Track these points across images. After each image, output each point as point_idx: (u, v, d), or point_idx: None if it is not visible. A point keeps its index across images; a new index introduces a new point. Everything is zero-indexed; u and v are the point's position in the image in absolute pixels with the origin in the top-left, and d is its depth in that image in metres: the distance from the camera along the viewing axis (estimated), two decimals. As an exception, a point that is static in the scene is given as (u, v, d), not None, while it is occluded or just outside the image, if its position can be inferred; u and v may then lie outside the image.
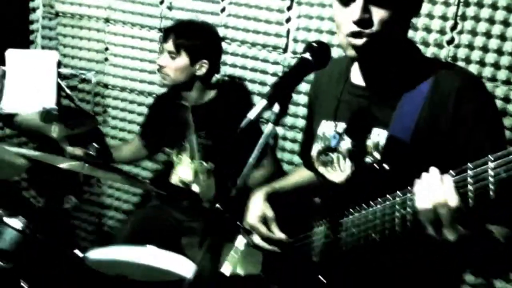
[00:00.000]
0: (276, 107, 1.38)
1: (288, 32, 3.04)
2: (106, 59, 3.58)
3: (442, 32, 2.68)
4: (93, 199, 3.65)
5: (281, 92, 1.41)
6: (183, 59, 2.73)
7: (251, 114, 1.37)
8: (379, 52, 1.52)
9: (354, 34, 1.49)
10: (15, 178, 2.94)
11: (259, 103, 1.39)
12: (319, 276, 1.59)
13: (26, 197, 2.67)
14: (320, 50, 1.49)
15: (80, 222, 3.68)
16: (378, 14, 1.47)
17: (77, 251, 2.22)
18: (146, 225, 2.65)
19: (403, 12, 1.51)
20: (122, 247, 2.40)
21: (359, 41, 1.49)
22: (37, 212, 2.35)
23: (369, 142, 1.58)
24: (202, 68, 2.77)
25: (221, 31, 3.10)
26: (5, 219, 2.12)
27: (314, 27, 2.95)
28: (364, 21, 1.47)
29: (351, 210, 1.55)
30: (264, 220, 1.75)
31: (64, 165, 2.33)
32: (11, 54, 3.35)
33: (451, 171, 1.30)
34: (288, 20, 3.03)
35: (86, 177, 2.90)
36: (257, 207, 1.77)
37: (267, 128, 1.39)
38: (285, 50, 3.06)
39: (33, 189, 2.75)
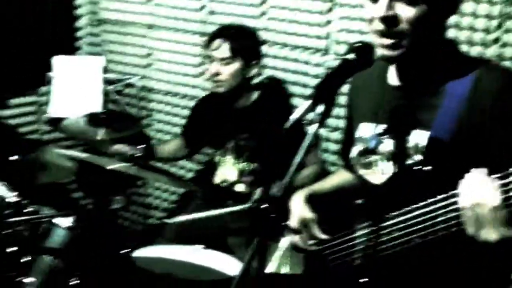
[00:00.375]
0: (320, 108, 1.39)
1: (328, 34, 3.05)
2: (150, 64, 3.66)
3: (487, 31, 2.65)
4: (139, 199, 3.73)
5: (325, 93, 1.41)
6: (238, 64, 2.70)
7: (296, 115, 1.38)
8: (412, 52, 1.50)
9: (381, 33, 1.47)
10: (64, 180, 3.03)
11: (303, 104, 1.40)
12: (360, 279, 1.60)
13: (75, 198, 2.75)
14: (363, 51, 1.47)
15: (127, 222, 3.77)
16: (405, 11, 1.43)
17: (125, 250, 2.27)
18: (192, 225, 2.68)
19: (435, 10, 1.46)
20: (169, 246, 2.44)
21: (387, 41, 1.47)
22: (86, 212, 2.41)
23: (410, 144, 1.57)
24: (254, 69, 2.76)
25: (262, 35, 3.12)
26: (56, 219, 2.20)
27: (356, 28, 2.95)
28: (389, 19, 1.44)
29: (392, 212, 1.54)
30: (305, 222, 1.76)
31: (112, 166, 2.39)
32: (57, 60, 3.46)
33: (494, 172, 1.29)
34: (328, 22, 3.04)
35: (132, 178, 2.96)
36: (298, 208, 1.78)
37: (311, 129, 1.40)
38: (326, 52, 3.08)
39: (82, 190, 2.83)
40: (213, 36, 2.76)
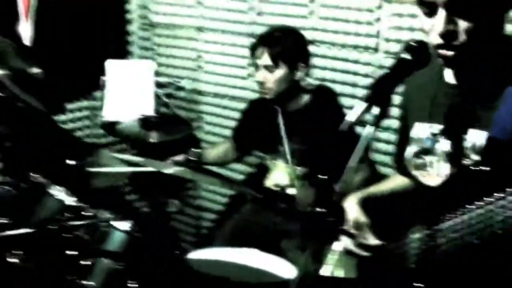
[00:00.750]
0: (375, 110, 1.38)
1: (378, 31, 3.02)
2: (200, 67, 3.70)
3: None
4: (191, 201, 3.78)
5: (380, 94, 1.40)
6: (282, 69, 2.68)
7: (351, 117, 1.37)
8: (471, 57, 1.47)
9: (439, 46, 1.44)
10: (119, 183, 3.10)
11: (358, 105, 1.39)
12: (415, 284, 1.57)
13: (131, 201, 2.81)
14: (419, 50, 1.46)
15: (181, 224, 3.82)
16: (463, 25, 1.41)
17: (180, 252, 2.31)
18: (245, 227, 2.70)
19: (493, 17, 1.44)
20: (223, 248, 2.46)
21: (447, 53, 1.45)
22: (143, 215, 2.46)
23: (467, 144, 1.55)
24: (300, 72, 2.74)
25: (310, 34, 3.11)
26: (114, 223, 2.25)
27: (406, 25, 2.91)
28: (448, 34, 1.42)
29: (448, 214, 1.51)
30: (359, 226, 1.75)
31: (165, 170, 2.43)
32: (110, 64, 3.53)
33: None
34: (378, 19, 3.01)
35: (185, 181, 3.00)
36: (352, 212, 1.76)
37: (365, 131, 1.39)
38: (376, 50, 3.04)
39: (136, 193, 2.89)
40: (255, 44, 2.76)
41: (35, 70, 2.89)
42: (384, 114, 1.38)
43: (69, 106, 3.59)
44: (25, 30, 3.36)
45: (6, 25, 3.26)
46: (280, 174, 2.84)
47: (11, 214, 2.42)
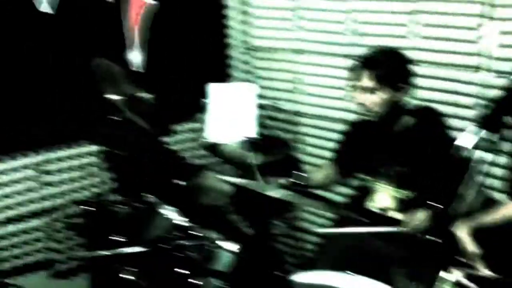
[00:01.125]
0: (489, 134, 1.36)
1: (480, 50, 2.95)
2: (299, 89, 3.76)
3: None
4: (295, 223, 3.82)
5: (495, 119, 1.38)
6: (384, 91, 2.65)
7: (462, 141, 1.36)
8: None
9: None
10: (223, 203, 3.19)
11: (469, 129, 1.38)
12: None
13: (234, 221, 2.90)
14: None
15: (286, 246, 3.86)
16: None
17: (284, 274, 2.34)
18: (348, 251, 2.67)
19: None
20: (327, 272, 2.45)
21: None
22: (250, 237, 2.53)
23: None
24: (403, 93, 2.71)
25: (410, 54, 3.09)
26: (223, 243, 2.33)
27: (510, 43, 2.83)
28: None
29: None
30: (471, 256, 1.71)
31: (272, 193, 2.47)
32: (212, 88, 3.66)
33: None
34: (479, 37, 2.95)
35: (289, 203, 3.04)
36: (463, 241, 1.72)
37: (476, 155, 1.38)
38: (477, 69, 2.98)
39: (240, 214, 2.97)
40: (356, 66, 2.74)
41: (145, 94, 3.07)
42: (499, 138, 1.36)
43: (175, 128, 3.75)
44: (135, 57, 3.57)
45: (118, 52, 3.48)
46: (384, 197, 2.80)
47: (126, 232, 2.58)
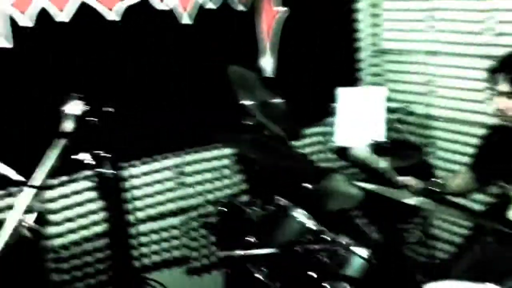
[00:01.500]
0: None
1: None
2: (431, 91, 3.66)
3: None
4: (427, 231, 3.71)
5: None
6: None
7: None
8: None
9: None
10: (349, 207, 3.19)
11: None
12: None
13: (362, 226, 2.88)
14: None
15: (416, 254, 3.77)
16: None
17: (416, 283, 2.30)
18: (484, 262, 2.57)
19: None
20: (460, 282, 2.37)
21: None
22: (381, 244, 2.51)
23: None
24: None
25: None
26: (354, 248, 2.33)
27: None
28: None
29: None
30: None
31: (407, 200, 2.42)
32: (341, 92, 3.67)
33: None
34: None
35: (420, 210, 2.97)
36: None
37: None
38: None
39: (369, 220, 2.95)
40: (494, 68, 2.62)
41: (277, 100, 3.15)
42: None
43: (304, 131, 3.80)
44: (267, 63, 3.67)
45: (250, 59, 3.59)
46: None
47: (258, 233, 2.66)
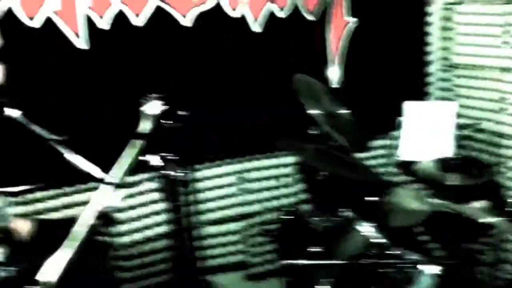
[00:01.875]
0: None
1: None
2: (503, 109, 3.56)
3: None
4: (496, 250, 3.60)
5: None
6: None
7: None
8: None
9: None
10: (413, 223, 3.12)
11: None
12: None
13: (427, 243, 2.81)
14: None
15: (485, 274, 3.66)
16: None
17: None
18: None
19: None
20: None
21: None
22: (442, 259, 2.44)
23: None
24: None
25: None
26: (422, 266, 2.28)
27: None
28: None
29: None
30: None
31: (480, 218, 2.36)
32: (408, 105, 3.60)
33: None
34: None
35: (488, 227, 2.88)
36: None
37: None
38: None
39: (433, 235, 2.88)
40: None
41: (343, 110, 3.12)
42: None
43: (369, 144, 3.75)
44: (334, 73, 3.65)
45: (317, 69, 3.58)
46: None
47: (321, 243, 2.64)
